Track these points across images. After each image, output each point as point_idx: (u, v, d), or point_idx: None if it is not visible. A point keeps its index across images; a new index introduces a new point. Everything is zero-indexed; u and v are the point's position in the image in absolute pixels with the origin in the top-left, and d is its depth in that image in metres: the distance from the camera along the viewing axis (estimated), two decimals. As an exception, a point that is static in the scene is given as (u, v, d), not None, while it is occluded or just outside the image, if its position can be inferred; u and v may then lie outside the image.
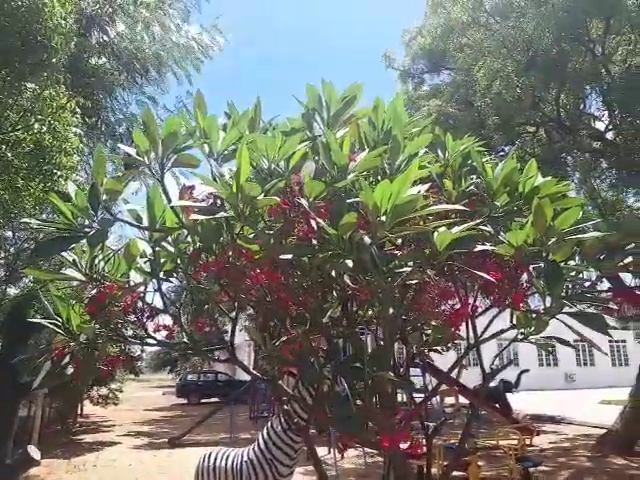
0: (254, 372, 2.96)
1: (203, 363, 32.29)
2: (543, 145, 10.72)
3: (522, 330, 2.34)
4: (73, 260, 2.35)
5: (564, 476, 7.96)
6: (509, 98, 8.98)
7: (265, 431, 3.69)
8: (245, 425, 14.47)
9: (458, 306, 2.39)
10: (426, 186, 1.93)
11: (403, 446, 2.39)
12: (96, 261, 2.36)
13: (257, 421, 14.70)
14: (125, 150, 2.16)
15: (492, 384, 11.17)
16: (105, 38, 11.68)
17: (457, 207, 2.04)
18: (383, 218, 1.76)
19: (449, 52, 11.12)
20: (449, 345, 2.65)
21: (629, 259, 2.19)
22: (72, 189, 2.13)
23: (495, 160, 2.63)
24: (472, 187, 2.32)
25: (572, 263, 2.21)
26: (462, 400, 13.81)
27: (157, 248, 2.35)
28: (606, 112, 9.89)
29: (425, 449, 2.82)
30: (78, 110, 6.51)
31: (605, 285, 2.64)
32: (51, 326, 2.35)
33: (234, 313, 2.64)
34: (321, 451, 8.34)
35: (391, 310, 2.24)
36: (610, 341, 26.42)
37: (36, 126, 5.73)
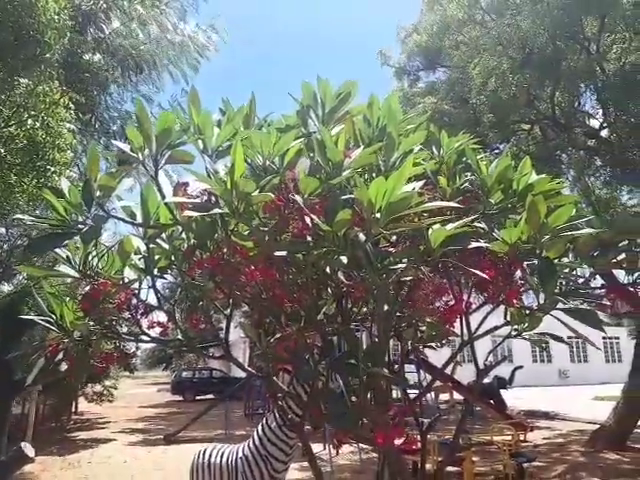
0: (249, 369, 2.96)
1: (198, 360, 32.26)
2: (538, 143, 10.74)
3: (516, 326, 2.35)
4: (67, 257, 2.34)
5: (558, 471, 8.02)
6: (504, 96, 8.99)
7: (260, 427, 3.70)
8: (240, 422, 14.49)
9: (452, 303, 2.39)
10: (420, 183, 1.93)
11: (397, 442, 2.40)
12: (90, 258, 2.35)
13: (252, 418, 14.74)
14: (119, 146, 2.15)
15: (486, 380, 11.25)
16: (100, 35, 11.61)
17: (451, 204, 2.04)
18: (378, 215, 1.76)
19: (445, 49, 11.12)
20: (443, 342, 2.66)
21: (622, 256, 2.20)
22: (65, 185, 2.12)
23: (490, 158, 2.63)
24: (466, 184, 2.33)
25: (566, 260, 2.22)
26: (457, 396, 13.88)
27: (151, 245, 2.34)
28: (601, 110, 9.93)
29: (419, 445, 2.83)
30: (72, 106, 6.46)
31: (598, 282, 2.65)
32: (44, 323, 2.34)
33: (229, 310, 2.63)
34: (316, 447, 8.36)
35: (385, 307, 2.25)
36: (604, 338, 26.60)
37: (29, 122, 5.68)
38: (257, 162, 2.07)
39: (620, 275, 2.46)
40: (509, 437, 7.60)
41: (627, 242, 2.22)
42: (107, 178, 2.06)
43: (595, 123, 10.40)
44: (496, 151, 10.43)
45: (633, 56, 8.56)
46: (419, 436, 2.81)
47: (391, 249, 2.20)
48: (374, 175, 2.11)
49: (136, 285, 2.47)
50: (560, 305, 2.09)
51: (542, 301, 2.11)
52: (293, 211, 2.05)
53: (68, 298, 2.44)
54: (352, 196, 1.88)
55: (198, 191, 2.15)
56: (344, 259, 1.82)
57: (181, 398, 23.92)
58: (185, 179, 2.28)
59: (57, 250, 2.33)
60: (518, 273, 2.22)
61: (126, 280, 2.42)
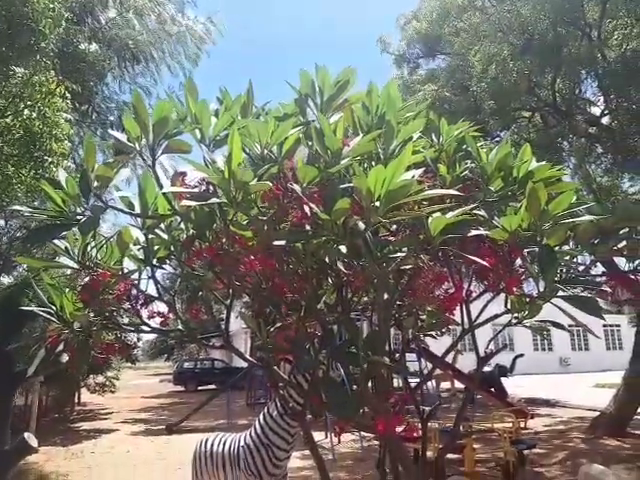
0: (250, 359, 2.96)
1: (200, 351, 32.42)
2: (539, 130, 10.69)
3: (516, 314, 2.34)
4: (65, 248, 2.33)
5: (558, 458, 8.08)
6: (505, 83, 8.92)
7: (262, 416, 3.71)
8: (242, 411, 14.58)
9: (452, 291, 2.39)
10: (420, 171, 1.91)
11: (398, 430, 2.40)
12: (88, 249, 2.34)
13: (254, 407, 14.82)
14: (115, 136, 2.13)
15: (487, 369, 11.30)
16: (96, 24, 11.53)
17: (451, 192, 2.02)
18: (377, 203, 1.75)
19: (445, 36, 11.02)
20: (444, 330, 2.66)
21: (623, 243, 2.19)
22: (63, 176, 2.11)
23: (490, 145, 2.61)
24: (466, 172, 2.31)
25: (566, 247, 2.21)
26: (457, 385, 13.94)
27: (150, 235, 2.34)
28: (602, 97, 9.86)
29: (420, 433, 2.85)
30: (68, 96, 6.41)
31: (599, 269, 2.64)
32: (45, 314, 2.34)
33: (229, 300, 2.63)
34: (318, 436, 8.43)
35: (386, 296, 2.24)
36: (604, 326, 26.69)
37: (26, 112, 5.65)
38: (255, 151, 2.05)
39: (621, 263, 2.45)
40: (510, 424, 7.63)
41: (628, 229, 2.21)
42: (104, 168, 2.05)
43: (596, 110, 10.33)
44: (497, 139, 10.38)
45: (635, 42, 8.47)
46: (420, 424, 2.82)
47: (391, 238, 2.19)
48: (373, 163, 2.09)
49: (136, 276, 2.47)
50: (560, 293, 2.08)
51: (542, 289, 2.10)
52: (292, 200, 2.03)
53: (68, 289, 2.44)
54: (351, 185, 1.86)
55: (196, 181, 2.14)
56: (343, 248, 1.81)
57: (183, 388, 24.05)
58: (183, 169, 2.27)
59: (56, 241, 2.32)
60: (518, 261, 2.21)
61: (125, 271, 2.41)
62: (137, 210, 2.22)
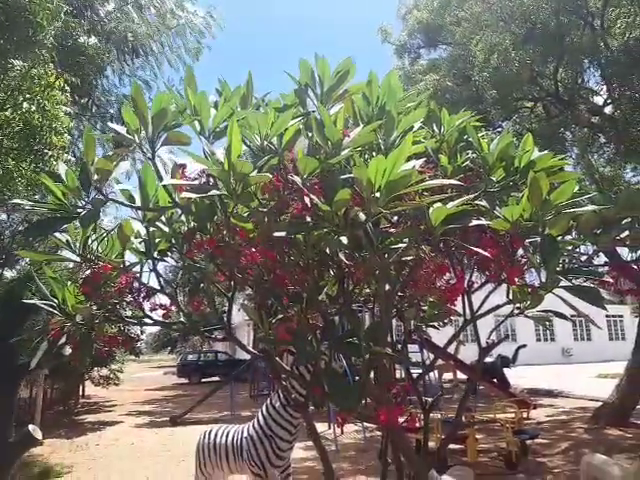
0: (253, 351, 2.97)
1: (203, 343, 32.54)
2: (541, 120, 10.62)
3: (518, 305, 2.34)
4: (67, 241, 2.33)
5: (561, 448, 8.11)
6: (507, 72, 8.85)
7: (264, 408, 3.74)
8: (245, 403, 14.66)
9: (454, 282, 2.38)
10: (420, 161, 1.90)
11: (400, 420, 2.41)
12: (89, 242, 2.34)
13: (257, 399, 14.89)
14: (115, 129, 2.12)
15: (489, 359, 11.32)
16: (95, 17, 11.46)
17: (453, 182, 2.01)
18: (377, 194, 1.74)
19: (446, 26, 10.92)
20: (446, 321, 2.66)
21: (626, 233, 2.18)
22: (63, 169, 2.10)
23: (492, 136, 2.60)
24: (468, 162, 2.30)
25: (568, 237, 2.20)
26: (460, 375, 13.98)
27: (151, 228, 2.33)
28: (604, 86, 9.78)
29: (423, 423, 2.86)
30: (67, 88, 6.39)
31: (602, 259, 2.63)
32: (47, 307, 2.34)
33: (231, 292, 2.63)
34: (321, 427, 8.47)
35: (387, 287, 2.24)
36: (607, 316, 26.70)
37: (25, 105, 5.62)
38: (255, 142, 2.04)
39: (623, 252, 2.44)
40: (512, 415, 7.65)
41: (630, 219, 2.19)
42: (104, 161, 2.04)
43: (599, 100, 10.25)
44: (499, 129, 10.33)
45: (638, 31, 8.38)
46: (422, 414, 2.83)
47: (392, 229, 2.19)
48: (374, 154, 2.08)
49: (137, 268, 2.47)
50: (563, 283, 2.08)
51: (544, 279, 2.09)
52: (292, 192, 2.03)
53: (70, 282, 2.44)
54: (351, 175, 1.85)
55: (196, 173, 2.13)
56: (344, 239, 1.80)
57: (187, 381, 24.18)
58: (182, 161, 2.26)
59: (57, 235, 2.32)
60: (520, 251, 2.21)
61: (127, 264, 2.41)
62: (138, 203, 2.22)
